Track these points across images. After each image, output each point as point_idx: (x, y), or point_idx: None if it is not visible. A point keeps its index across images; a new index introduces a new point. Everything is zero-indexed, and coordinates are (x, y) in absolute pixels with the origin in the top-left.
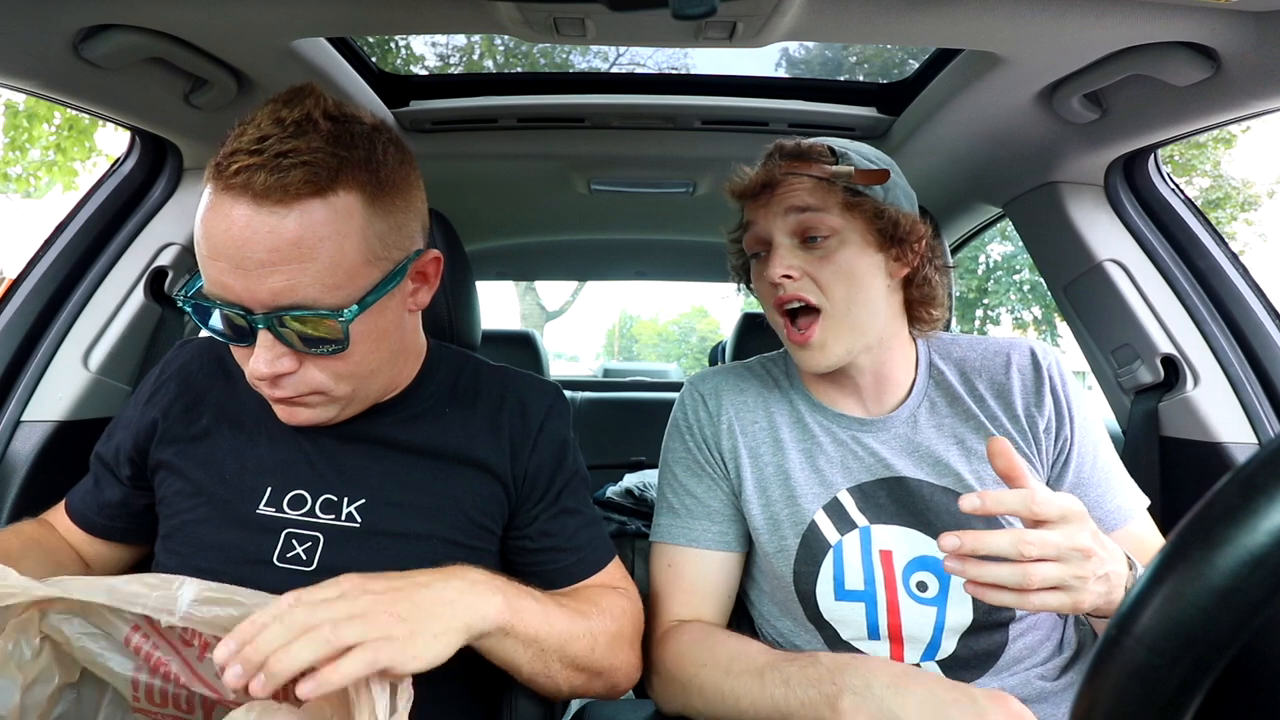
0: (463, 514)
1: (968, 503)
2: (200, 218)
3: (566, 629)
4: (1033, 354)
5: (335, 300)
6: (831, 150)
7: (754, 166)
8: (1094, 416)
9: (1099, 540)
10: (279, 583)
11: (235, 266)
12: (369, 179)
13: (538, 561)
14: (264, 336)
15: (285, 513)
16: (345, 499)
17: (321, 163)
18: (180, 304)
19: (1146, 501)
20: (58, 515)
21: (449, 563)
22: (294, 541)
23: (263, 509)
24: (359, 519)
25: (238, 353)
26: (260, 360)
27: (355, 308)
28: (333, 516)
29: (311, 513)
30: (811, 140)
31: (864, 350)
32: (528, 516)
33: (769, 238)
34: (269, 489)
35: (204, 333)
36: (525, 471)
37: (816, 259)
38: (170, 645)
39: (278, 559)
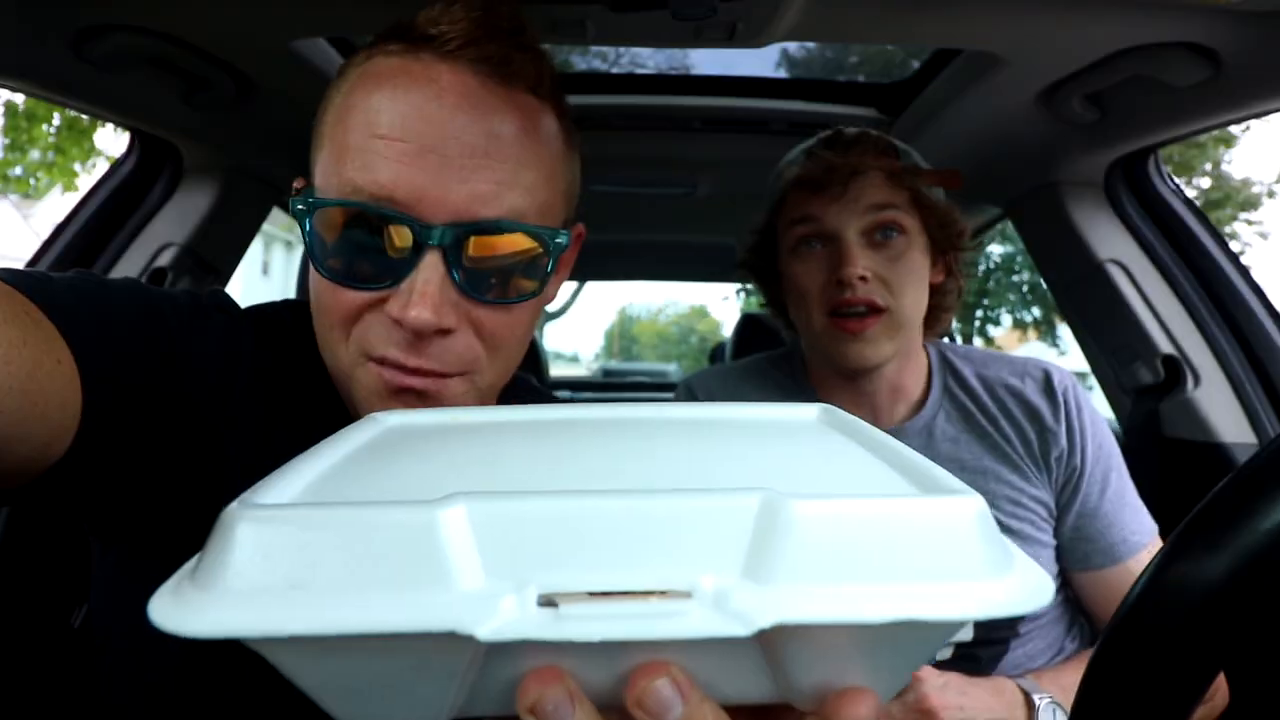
0: None
1: None
2: (369, 89)
3: None
4: (1048, 377)
5: (547, 224)
6: (893, 146)
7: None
8: (1109, 445)
9: (941, 695)
10: None
11: (425, 151)
12: (567, 111)
13: None
14: (433, 261)
15: None
16: None
17: (544, 64)
18: (296, 213)
19: (1153, 537)
20: None
21: None
22: None
23: None
24: None
25: (348, 303)
26: (425, 303)
27: (565, 237)
28: None
29: None
30: (876, 133)
31: (899, 353)
32: None
33: (837, 233)
34: None
35: (320, 274)
36: None
37: (886, 258)
38: None
39: None
